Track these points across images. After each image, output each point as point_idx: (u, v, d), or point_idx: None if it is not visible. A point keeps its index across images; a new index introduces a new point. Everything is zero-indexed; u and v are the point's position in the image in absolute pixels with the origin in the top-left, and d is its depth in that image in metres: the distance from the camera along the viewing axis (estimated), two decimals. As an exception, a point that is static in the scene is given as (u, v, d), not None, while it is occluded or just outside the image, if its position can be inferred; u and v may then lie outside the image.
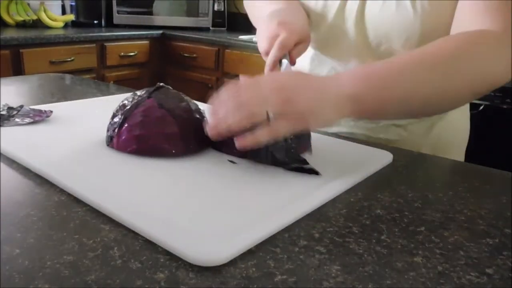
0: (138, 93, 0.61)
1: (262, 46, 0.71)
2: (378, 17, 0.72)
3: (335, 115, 0.54)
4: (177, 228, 0.41)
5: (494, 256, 0.41)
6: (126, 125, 0.58)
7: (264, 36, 0.70)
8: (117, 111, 0.60)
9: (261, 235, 0.41)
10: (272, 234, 0.42)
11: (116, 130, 0.58)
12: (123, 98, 0.62)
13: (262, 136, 0.50)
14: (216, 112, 0.52)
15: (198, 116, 0.61)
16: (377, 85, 0.55)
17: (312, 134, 0.63)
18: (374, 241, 0.42)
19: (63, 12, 2.76)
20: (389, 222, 0.46)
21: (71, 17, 2.73)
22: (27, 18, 2.50)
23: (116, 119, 0.59)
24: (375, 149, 0.66)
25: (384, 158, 0.63)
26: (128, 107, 0.59)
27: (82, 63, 2.37)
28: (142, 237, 0.40)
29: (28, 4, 2.57)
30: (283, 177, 0.54)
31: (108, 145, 0.60)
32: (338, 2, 0.76)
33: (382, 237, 0.43)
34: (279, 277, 0.36)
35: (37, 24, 2.52)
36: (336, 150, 0.65)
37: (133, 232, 0.41)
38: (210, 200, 0.47)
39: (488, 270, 0.39)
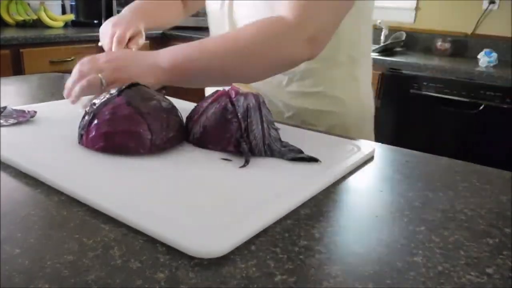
0: (112, 91, 0.61)
1: (104, 44, 0.86)
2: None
3: (153, 79, 0.68)
4: (176, 223, 0.41)
5: (494, 256, 0.41)
6: (94, 122, 0.58)
7: (106, 37, 0.85)
8: (88, 109, 0.60)
9: (259, 225, 0.42)
10: (269, 225, 0.43)
11: (85, 128, 0.58)
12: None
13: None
14: (68, 82, 0.69)
15: (169, 114, 0.60)
16: (183, 59, 0.70)
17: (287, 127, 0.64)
18: (374, 241, 0.42)
19: (63, 12, 2.76)
20: (389, 222, 0.46)
21: (71, 17, 2.73)
22: (27, 18, 2.50)
23: (86, 117, 0.59)
24: (355, 140, 0.69)
25: (367, 149, 0.65)
26: (97, 105, 0.59)
27: (82, 63, 2.36)
28: (142, 237, 0.40)
29: (28, 4, 2.57)
30: (278, 170, 0.56)
31: (79, 142, 0.60)
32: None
33: (382, 237, 0.43)
34: (279, 277, 0.36)
35: (37, 24, 2.52)
36: (315, 142, 0.67)
37: (133, 232, 0.41)
38: (205, 195, 0.48)
39: (488, 270, 0.39)
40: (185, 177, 0.52)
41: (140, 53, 0.73)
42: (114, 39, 0.82)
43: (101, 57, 0.69)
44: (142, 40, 0.89)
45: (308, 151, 0.60)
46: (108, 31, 0.86)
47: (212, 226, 0.41)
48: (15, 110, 0.70)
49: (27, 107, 0.74)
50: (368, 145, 0.67)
